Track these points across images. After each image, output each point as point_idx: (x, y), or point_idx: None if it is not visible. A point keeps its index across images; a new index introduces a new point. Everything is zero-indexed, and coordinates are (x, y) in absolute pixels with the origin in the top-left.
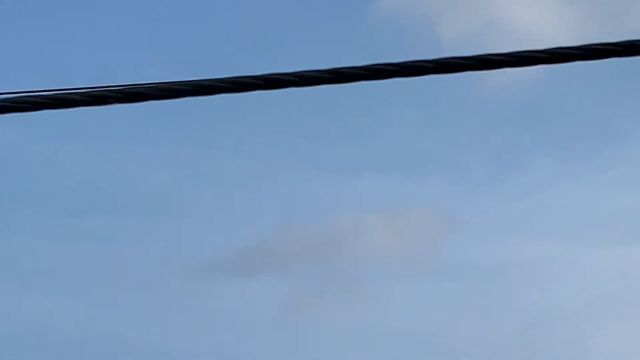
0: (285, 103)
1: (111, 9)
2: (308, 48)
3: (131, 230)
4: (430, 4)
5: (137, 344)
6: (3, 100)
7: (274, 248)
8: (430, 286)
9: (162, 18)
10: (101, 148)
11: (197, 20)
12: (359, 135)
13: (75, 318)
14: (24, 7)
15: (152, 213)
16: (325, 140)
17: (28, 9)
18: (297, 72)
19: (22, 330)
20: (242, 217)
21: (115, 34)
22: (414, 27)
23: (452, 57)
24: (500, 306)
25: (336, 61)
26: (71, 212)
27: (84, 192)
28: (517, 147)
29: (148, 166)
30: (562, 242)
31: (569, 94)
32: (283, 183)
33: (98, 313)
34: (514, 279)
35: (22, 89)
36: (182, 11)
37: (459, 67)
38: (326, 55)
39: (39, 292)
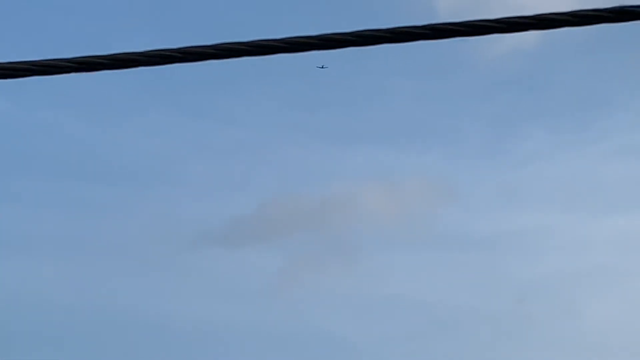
0: (281, 74)
1: None
2: (301, 10)
3: (127, 200)
4: None
5: (134, 312)
6: None
7: (270, 217)
8: (426, 255)
9: None
10: (97, 119)
11: None
12: (356, 106)
13: (73, 287)
14: None
15: (148, 183)
16: (322, 111)
17: None
18: (285, 38)
19: (20, 298)
20: (238, 187)
21: (105, 2)
22: None
23: (440, 23)
24: (496, 275)
25: (330, 25)
26: (67, 181)
27: (80, 162)
28: (513, 117)
29: (144, 137)
30: (557, 212)
31: (565, 65)
32: (279, 153)
33: (95, 282)
34: (509, 248)
35: (11, 58)
36: None
37: (448, 33)
38: (320, 19)
39: (33, 260)
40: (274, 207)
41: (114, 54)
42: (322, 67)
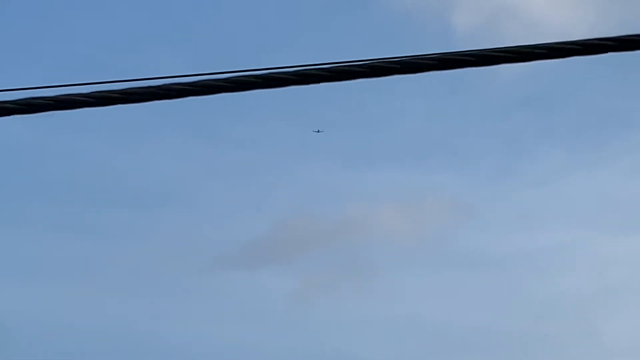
0: (294, 96)
1: (114, 7)
2: (320, 35)
3: (143, 224)
4: None
5: (150, 336)
6: (7, 102)
7: (285, 239)
8: (442, 275)
9: (163, 13)
10: (113, 143)
11: (199, 14)
12: (370, 127)
13: (87, 311)
14: (26, 6)
15: (163, 206)
16: (336, 132)
17: (31, 7)
18: (296, 70)
19: (37, 325)
20: (253, 209)
21: (117, 31)
22: (428, 16)
23: (451, 53)
24: (514, 294)
25: (349, 49)
26: (83, 206)
27: (96, 186)
28: (529, 136)
29: (159, 160)
30: (574, 231)
31: (580, 83)
32: (293, 174)
33: (111, 307)
34: (527, 267)
35: (25, 85)
36: (183, 6)
37: (459, 63)
38: (339, 42)
39: (50, 286)
40: (289, 228)
41: (130, 88)
42: (318, 132)
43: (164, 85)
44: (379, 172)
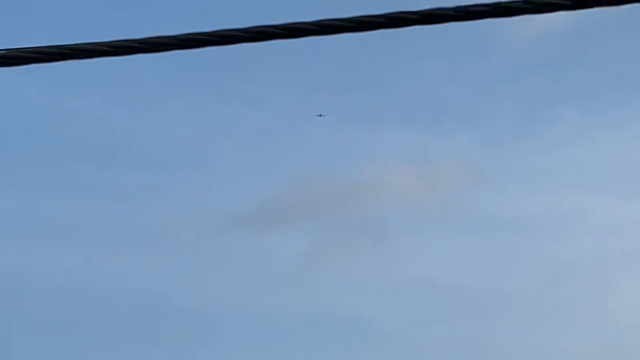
0: (309, 57)
1: None
2: None
3: (154, 185)
4: None
5: (163, 296)
6: (25, 50)
7: (298, 200)
8: (455, 238)
9: None
10: (126, 104)
11: None
12: (385, 88)
13: (100, 272)
14: None
15: (176, 167)
16: (350, 93)
17: None
18: (316, 20)
19: (49, 284)
20: (266, 170)
21: None
22: None
23: (470, 5)
24: (527, 258)
25: (360, 9)
26: (96, 167)
27: (109, 147)
28: (543, 99)
29: (173, 121)
30: (588, 194)
31: (594, 46)
32: (307, 136)
33: (123, 267)
34: (540, 231)
35: (45, 43)
36: None
37: (478, 14)
38: (352, 4)
39: (65, 247)
40: (302, 190)
41: (146, 38)
42: (320, 116)
43: (184, 35)
44: (393, 134)
